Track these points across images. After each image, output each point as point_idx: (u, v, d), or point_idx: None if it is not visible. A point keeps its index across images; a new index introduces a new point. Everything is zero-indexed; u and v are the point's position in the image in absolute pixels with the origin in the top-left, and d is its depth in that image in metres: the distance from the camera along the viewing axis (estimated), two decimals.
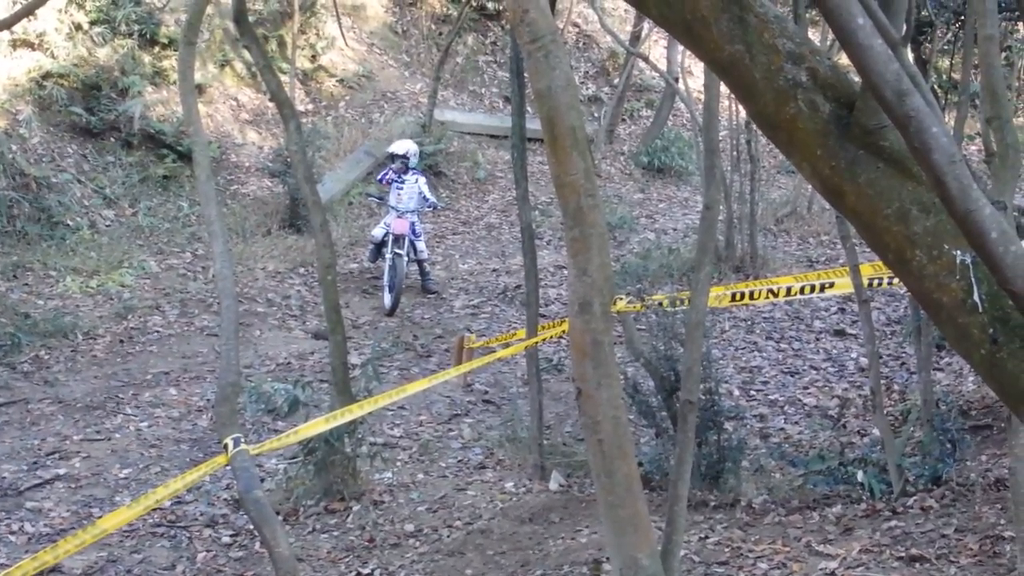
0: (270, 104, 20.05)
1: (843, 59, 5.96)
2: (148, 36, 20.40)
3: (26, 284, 15.54)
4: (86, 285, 15.64)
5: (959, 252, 3.40)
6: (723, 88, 5.35)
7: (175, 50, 19.11)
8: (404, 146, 17.53)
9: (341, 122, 22.49)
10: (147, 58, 20.22)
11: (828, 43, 14.24)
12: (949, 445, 9.44)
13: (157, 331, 14.76)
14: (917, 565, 7.74)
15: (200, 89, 19.84)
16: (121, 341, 14.36)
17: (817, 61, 3.79)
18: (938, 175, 2.98)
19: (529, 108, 12.19)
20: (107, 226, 17.67)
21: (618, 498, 5.74)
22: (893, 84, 3.00)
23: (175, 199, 18.86)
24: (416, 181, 17.03)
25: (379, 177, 17.45)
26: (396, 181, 16.98)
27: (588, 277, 5.51)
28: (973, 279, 3.39)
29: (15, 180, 17.01)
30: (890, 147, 3.58)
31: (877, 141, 3.59)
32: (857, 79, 3.39)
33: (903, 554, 7.97)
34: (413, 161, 17.32)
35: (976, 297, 3.38)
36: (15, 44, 18.79)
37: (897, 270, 3.65)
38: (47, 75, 18.78)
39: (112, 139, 19.07)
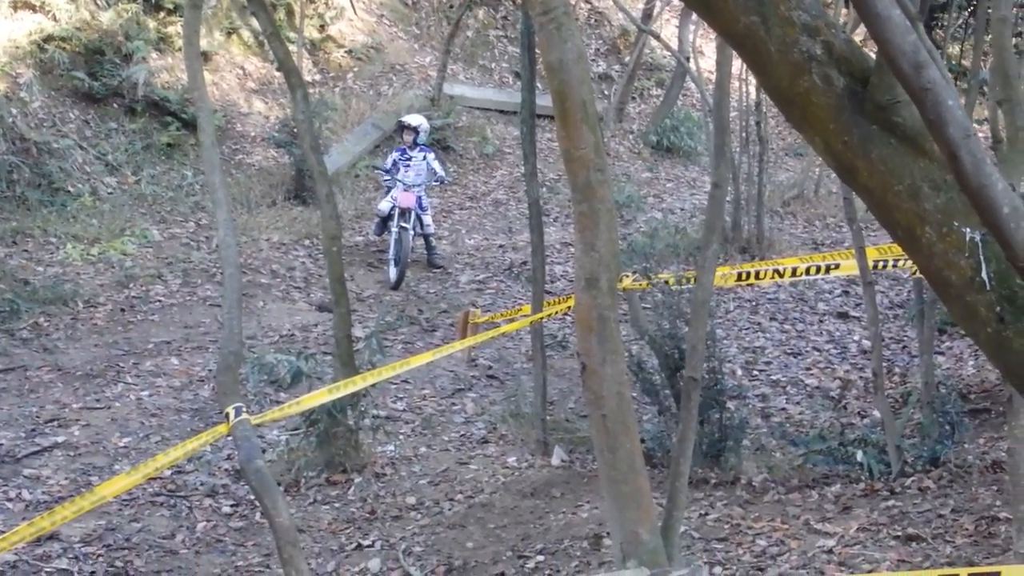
0: (277, 73, 19.98)
1: (857, 35, 5.96)
2: (153, 1, 20.29)
3: (26, 250, 15.51)
4: (87, 252, 15.61)
5: (969, 230, 3.41)
6: (734, 68, 5.34)
7: (180, 15, 18.94)
8: (418, 119, 17.52)
9: (348, 94, 22.44)
10: (152, 23, 20.07)
11: (842, 17, 14.24)
12: (948, 427, 9.47)
13: (159, 300, 14.76)
14: (913, 544, 7.77)
15: (206, 57, 19.80)
16: (122, 310, 14.35)
17: (832, 34, 3.78)
18: (952, 148, 2.98)
19: (539, 84, 12.16)
20: (109, 193, 17.62)
21: (620, 474, 5.75)
22: (911, 56, 3.00)
23: (179, 168, 18.81)
24: (424, 157, 17.01)
25: (385, 167, 17.31)
26: (403, 159, 16.96)
27: (595, 252, 5.51)
28: (982, 257, 3.39)
29: (15, 145, 16.93)
30: (903, 123, 3.58)
31: (891, 117, 3.59)
32: (872, 54, 3.40)
33: (900, 533, 8.00)
34: (423, 137, 17.29)
35: (984, 275, 3.39)
36: (16, 6, 18.67)
37: (907, 247, 3.66)
38: (49, 38, 18.62)
39: (115, 105, 18.98)
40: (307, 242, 17.14)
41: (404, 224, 16.15)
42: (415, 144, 17.08)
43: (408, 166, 16.85)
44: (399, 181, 16.67)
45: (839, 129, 3.66)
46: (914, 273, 10.35)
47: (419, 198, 16.62)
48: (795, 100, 3.76)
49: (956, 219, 3.46)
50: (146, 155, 18.66)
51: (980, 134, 19.40)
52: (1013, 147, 5.88)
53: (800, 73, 3.69)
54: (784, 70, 3.73)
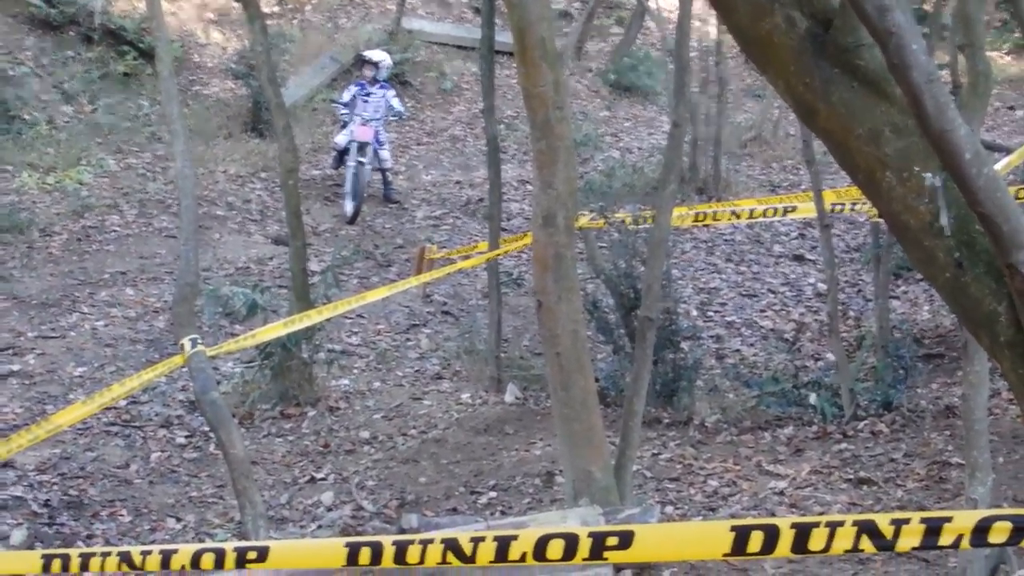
0: (236, 4, 19.75)
1: None
2: None
3: None
4: (43, 181, 15.47)
5: (929, 175, 3.40)
6: (695, 8, 5.32)
7: None
8: (380, 55, 17.37)
9: (307, 26, 22.24)
10: None
11: None
12: (902, 372, 9.55)
13: (115, 230, 14.65)
14: (865, 488, 7.85)
15: None
16: (78, 239, 14.25)
17: None
18: (915, 92, 2.97)
19: (499, 20, 12.08)
20: (65, 122, 17.44)
21: (573, 412, 5.78)
22: None
23: (135, 97, 18.61)
24: (384, 95, 16.88)
25: (343, 100, 17.15)
26: (361, 94, 16.83)
27: (553, 190, 5.51)
28: (941, 202, 3.39)
29: None
30: (865, 67, 3.56)
31: (853, 60, 3.56)
32: None
33: (851, 476, 8.08)
34: (383, 74, 17.16)
35: (943, 221, 3.38)
36: None
37: (866, 191, 3.65)
38: None
39: (72, 33, 18.75)
40: (263, 175, 17.03)
41: (361, 158, 16.04)
42: (375, 80, 16.94)
43: (367, 101, 16.71)
44: (357, 115, 16.55)
45: (800, 71, 3.64)
46: (871, 217, 10.41)
47: (377, 132, 16.50)
48: (757, 41, 3.73)
49: (916, 164, 3.45)
50: (103, 84, 18.45)
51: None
52: (973, 91, 5.88)
53: (763, 14, 3.66)
54: (746, 10, 3.70)
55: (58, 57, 18.33)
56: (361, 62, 17.43)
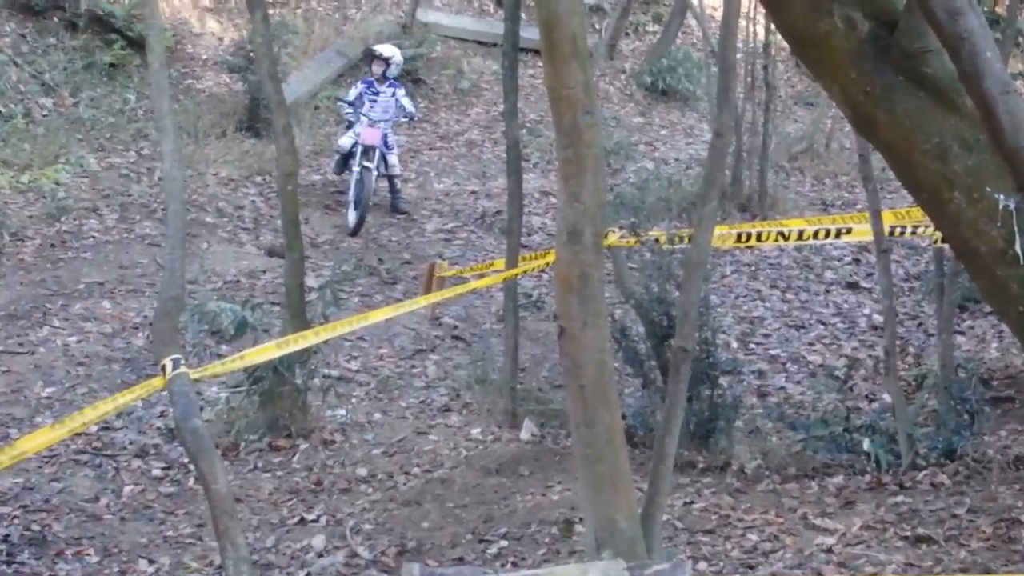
0: None
1: None
2: None
3: None
4: (16, 180, 15.50)
5: (1003, 196, 3.36)
6: (742, 4, 5.29)
7: None
8: (391, 50, 17.39)
9: (312, 16, 22.29)
10: None
11: None
12: (966, 416, 9.46)
13: (93, 236, 14.67)
14: (924, 546, 7.76)
15: None
16: (52, 245, 14.27)
17: None
18: (989, 104, 2.93)
19: (523, 14, 12.07)
20: (44, 115, 17.50)
21: (597, 452, 5.73)
22: (946, 0, 2.94)
23: (121, 90, 18.67)
24: (393, 93, 16.90)
25: (348, 99, 17.17)
26: (369, 93, 16.84)
27: (580, 203, 5.46)
28: (1016, 227, 3.35)
29: None
30: (933, 75, 3.53)
31: (919, 67, 3.54)
32: None
33: (908, 533, 7.99)
34: (394, 71, 17.18)
35: (1018, 247, 3.35)
36: None
37: (931, 212, 3.62)
38: None
39: (55, 19, 18.84)
40: (259, 179, 17.05)
41: (367, 163, 16.04)
42: (384, 77, 16.97)
43: (375, 101, 16.73)
44: (364, 115, 16.55)
45: (860, 78, 3.61)
46: (935, 242, 10.33)
47: (385, 135, 16.51)
48: (813, 43, 3.70)
49: (989, 183, 3.42)
50: (86, 75, 18.52)
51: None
52: None
53: (820, 13, 3.64)
54: (802, 9, 3.68)
55: (39, 44, 18.43)
56: (370, 57, 17.46)
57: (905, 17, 3.55)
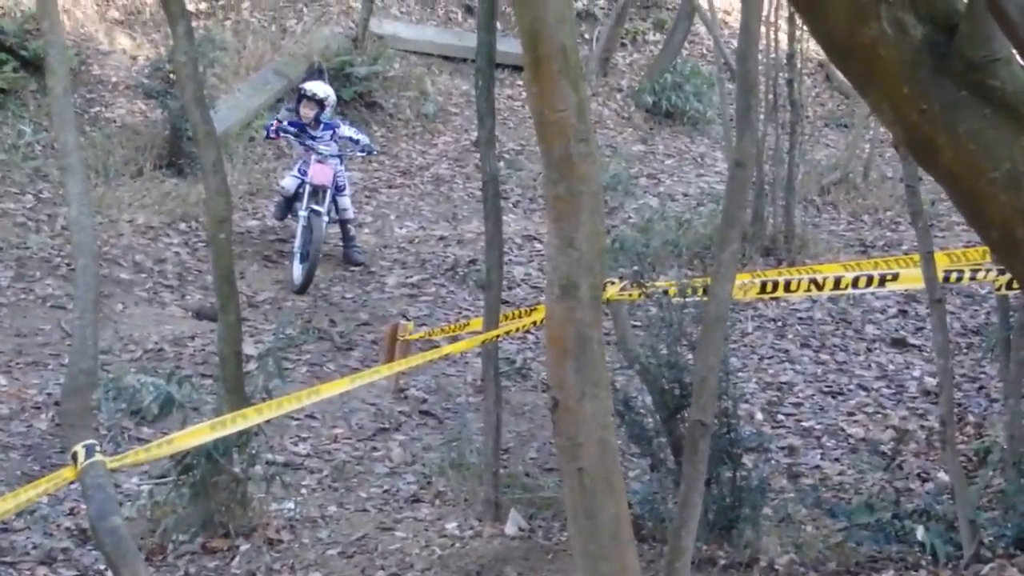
0: (149, 0, 19.92)
1: None
2: None
3: None
4: None
5: None
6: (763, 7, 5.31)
7: None
8: (324, 90, 17.32)
9: (244, 29, 22.39)
10: None
11: None
12: None
13: None
14: None
15: None
16: None
17: None
18: None
19: (499, 23, 12.13)
20: None
21: (601, 547, 5.72)
22: None
23: (14, 121, 18.68)
24: (333, 134, 16.85)
25: (267, 126, 17.19)
26: (298, 137, 16.79)
27: (575, 250, 5.47)
28: None
29: None
30: (1002, 88, 3.55)
31: (985, 79, 3.55)
32: None
33: None
34: (327, 113, 17.16)
35: None
36: None
37: (1002, 252, 3.63)
38: None
39: None
40: (183, 226, 17.08)
41: (316, 207, 16.06)
42: (318, 122, 16.93)
43: (312, 143, 16.68)
44: (312, 148, 16.52)
45: (915, 93, 3.63)
46: (999, 288, 10.35)
47: (336, 173, 16.51)
48: (857, 53, 3.72)
49: None
50: None
51: None
52: None
53: (865, 17, 3.65)
54: (844, 13, 3.69)
55: None
56: (299, 98, 17.38)
57: (968, 20, 3.56)
